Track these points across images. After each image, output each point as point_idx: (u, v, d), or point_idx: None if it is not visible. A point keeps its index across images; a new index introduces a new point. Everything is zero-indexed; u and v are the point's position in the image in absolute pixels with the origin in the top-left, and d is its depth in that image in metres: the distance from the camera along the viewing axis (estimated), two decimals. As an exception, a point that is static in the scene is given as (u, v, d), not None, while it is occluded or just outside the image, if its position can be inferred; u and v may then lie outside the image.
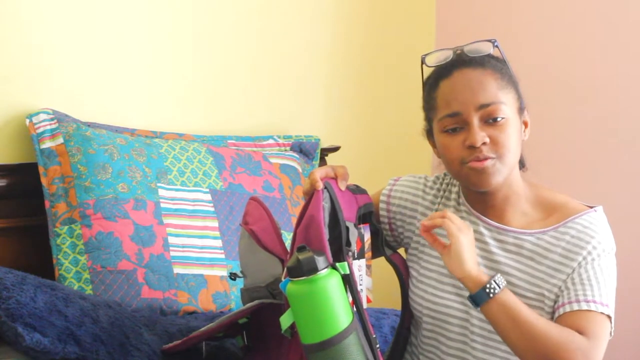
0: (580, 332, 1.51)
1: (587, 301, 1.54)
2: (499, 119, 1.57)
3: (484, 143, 1.56)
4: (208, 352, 1.77)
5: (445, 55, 1.63)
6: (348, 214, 1.58)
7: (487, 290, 1.51)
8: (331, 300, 1.40)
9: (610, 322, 1.56)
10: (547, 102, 2.69)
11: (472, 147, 1.56)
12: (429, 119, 1.67)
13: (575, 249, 1.59)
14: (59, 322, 1.65)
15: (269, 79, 2.65)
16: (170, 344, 1.74)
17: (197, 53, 2.50)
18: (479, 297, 1.52)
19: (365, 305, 1.57)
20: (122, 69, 2.34)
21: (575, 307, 1.54)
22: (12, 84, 2.15)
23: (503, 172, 1.59)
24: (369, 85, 2.91)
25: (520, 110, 1.63)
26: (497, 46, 1.62)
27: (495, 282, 1.52)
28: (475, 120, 1.57)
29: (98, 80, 2.30)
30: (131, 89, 2.37)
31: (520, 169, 1.70)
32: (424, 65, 1.67)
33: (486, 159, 1.57)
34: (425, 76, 1.68)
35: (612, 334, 1.59)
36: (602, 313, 1.54)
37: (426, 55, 1.66)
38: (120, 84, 2.34)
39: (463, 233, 1.54)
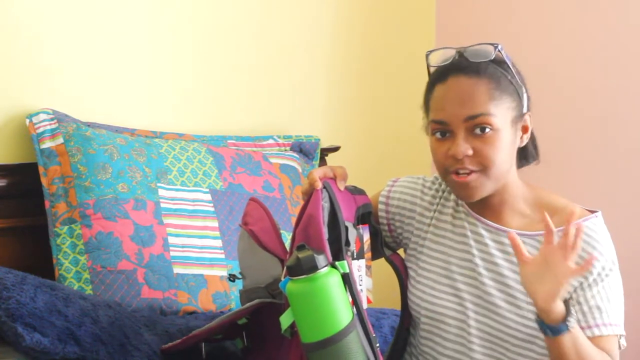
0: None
1: (604, 324, 1.56)
2: (486, 131, 1.55)
3: (467, 155, 1.55)
4: (208, 352, 1.77)
5: (448, 55, 1.62)
6: (347, 214, 1.58)
7: (569, 324, 1.46)
8: (331, 298, 1.40)
9: (619, 336, 1.59)
10: (546, 103, 2.69)
11: (455, 158, 1.56)
12: (426, 116, 1.67)
13: (581, 263, 1.58)
14: (59, 322, 1.65)
15: (269, 79, 2.65)
16: (170, 344, 1.74)
17: (197, 53, 2.50)
18: (558, 330, 1.47)
19: (365, 305, 1.57)
20: (122, 69, 2.35)
21: (597, 332, 1.56)
22: (12, 84, 2.15)
23: (488, 186, 1.59)
24: (369, 85, 2.91)
25: (517, 118, 1.60)
26: (499, 51, 1.60)
27: (572, 314, 1.48)
28: (461, 132, 1.56)
29: (98, 80, 2.30)
30: (131, 89, 2.37)
31: (530, 162, 1.69)
32: (427, 62, 1.66)
33: (469, 173, 1.56)
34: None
35: (624, 344, 1.62)
36: (615, 334, 1.57)
37: (431, 52, 1.65)
38: (120, 84, 2.35)
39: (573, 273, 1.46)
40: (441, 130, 1.59)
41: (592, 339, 1.54)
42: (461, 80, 1.58)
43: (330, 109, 2.82)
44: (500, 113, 1.57)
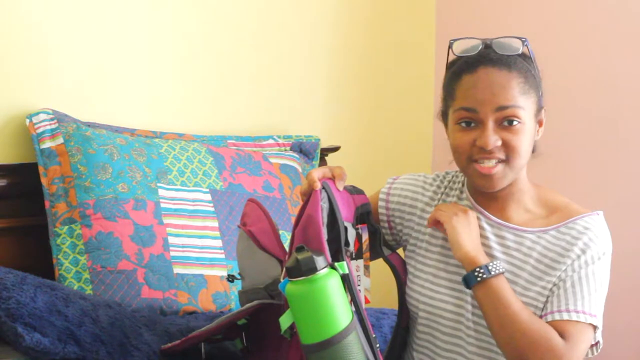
0: (562, 336, 1.53)
1: (576, 312, 1.55)
2: (514, 123, 1.57)
3: (496, 146, 1.57)
4: (207, 352, 1.77)
5: (473, 45, 1.62)
6: (346, 214, 1.58)
7: (476, 273, 1.55)
8: (331, 299, 1.40)
9: (595, 331, 1.58)
10: (548, 100, 2.68)
11: (483, 149, 1.57)
12: (445, 104, 1.67)
13: (572, 249, 1.60)
14: (59, 322, 1.65)
15: (269, 79, 2.65)
16: (169, 344, 1.74)
17: (197, 53, 2.50)
18: (468, 279, 1.57)
19: (363, 305, 1.57)
20: (122, 69, 2.35)
21: (565, 316, 1.55)
22: (12, 84, 2.15)
23: (509, 177, 1.60)
24: (369, 85, 2.91)
25: (538, 112, 1.63)
26: (526, 45, 1.61)
27: (489, 267, 1.55)
28: (490, 122, 1.57)
29: (98, 80, 2.30)
30: (131, 89, 2.37)
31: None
32: (450, 51, 1.65)
33: (495, 165, 1.58)
34: (449, 60, 1.67)
35: (601, 344, 1.61)
36: (589, 324, 1.56)
37: (455, 40, 1.65)
38: (120, 84, 2.35)
39: (456, 216, 1.61)
40: (468, 118, 1.59)
41: (560, 322, 1.54)
42: (492, 71, 1.58)
43: (330, 109, 2.82)
44: (527, 107, 1.59)
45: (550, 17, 2.77)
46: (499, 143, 1.57)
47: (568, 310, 1.55)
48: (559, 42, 2.74)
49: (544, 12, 2.79)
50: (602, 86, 2.64)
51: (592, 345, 1.61)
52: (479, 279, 1.55)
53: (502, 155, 1.58)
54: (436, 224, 1.66)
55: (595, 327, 1.57)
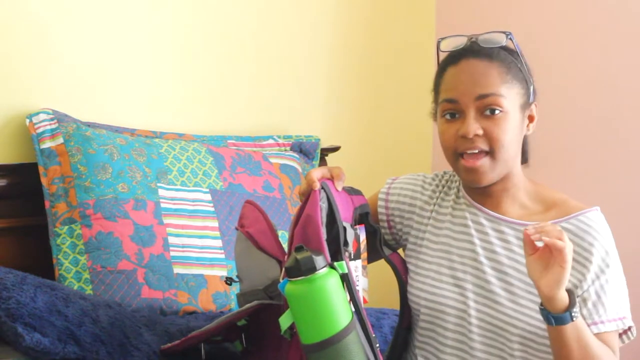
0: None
1: (609, 321, 1.58)
2: (496, 112, 1.58)
3: (477, 135, 1.57)
4: (208, 352, 1.77)
5: (460, 42, 1.64)
6: (345, 215, 1.58)
7: (573, 314, 1.48)
8: (330, 299, 1.40)
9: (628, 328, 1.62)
10: (547, 99, 2.67)
11: (465, 138, 1.58)
12: (435, 101, 1.69)
13: (577, 250, 1.58)
14: (59, 322, 1.66)
15: (269, 79, 2.65)
16: (169, 344, 1.74)
17: (197, 53, 2.50)
18: (562, 319, 1.48)
19: (363, 305, 1.57)
20: (122, 69, 2.35)
21: (602, 328, 1.57)
22: (12, 84, 2.15)
23: (496, 169, 1.61)
24: (369, 85, 2.91)
25: (525, 105, 1.63)
26: (511, 39, 1.63)
27: (576, 305, 1.49)
28: (471, 111, 1.58)
29: (98, 80, 2.30)
30: (131, 89, 2.37)
31: (522, 163, 1.70)
32: (439, 50, 1.67)
33: (478, 157, 1.58)
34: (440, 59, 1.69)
35: (634, 333, 1.64)
36: (617, 329, 1.59)
37: (442, 39, 1.67)
38: (120, 84, 2.35)
39: (571, 254, 1.48)
40: (451, 110, 1.61)
41: (596, 335, 1.56)
42: (473, 62, 1.60)
43: (330, 109, 2.82)
44: (510, 96, 1.59)
45: (550, 17, 2.77)
46: (480, 132, 1.58)
47: (603, 322, 1.58)
48: (559, 42, 2.73)
49: (544, 12, 2.79)
50: (601, 86, 2.64)
51: (625, 331, 1.63)
52: (574, 319, 1.48)
53: (484, 146, 1.58)
54: (531, 242, 1.48)
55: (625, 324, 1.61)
